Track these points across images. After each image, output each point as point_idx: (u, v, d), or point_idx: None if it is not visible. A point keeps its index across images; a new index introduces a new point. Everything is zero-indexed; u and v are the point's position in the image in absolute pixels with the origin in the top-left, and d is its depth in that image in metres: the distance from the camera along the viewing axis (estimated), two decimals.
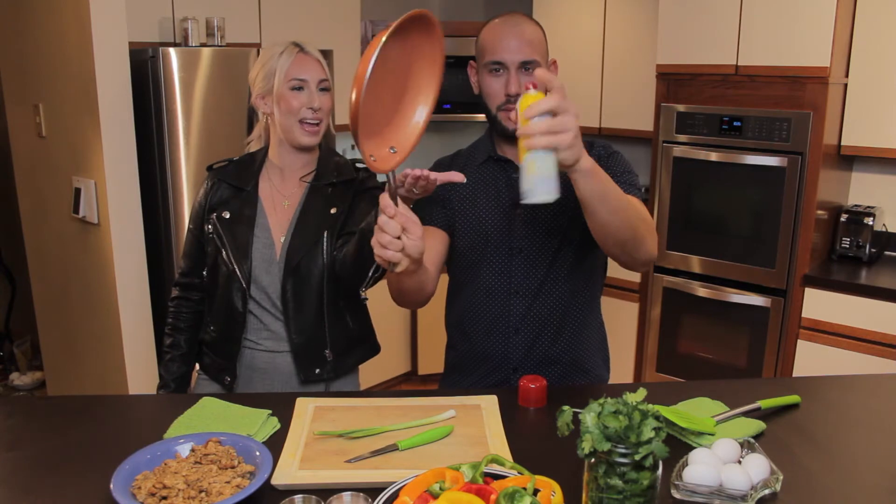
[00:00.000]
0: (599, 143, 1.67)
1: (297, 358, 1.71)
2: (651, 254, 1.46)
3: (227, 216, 1.71)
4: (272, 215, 1.73)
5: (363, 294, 1.81)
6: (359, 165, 1.80)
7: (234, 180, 1.74)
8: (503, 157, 1.65)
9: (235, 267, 1.69)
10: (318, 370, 1.72)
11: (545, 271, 1.63)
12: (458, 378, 1.71)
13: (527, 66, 1.53)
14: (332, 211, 1.71)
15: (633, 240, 1.39)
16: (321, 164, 1.76)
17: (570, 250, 1.63)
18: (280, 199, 1.74)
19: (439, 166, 1.73)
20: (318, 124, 1.68)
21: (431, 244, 1.62)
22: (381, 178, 1.44)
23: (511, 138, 1.59)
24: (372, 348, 1.90)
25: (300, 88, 1.65)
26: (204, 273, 1.77)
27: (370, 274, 1.70)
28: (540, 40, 1.56)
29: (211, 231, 1.72)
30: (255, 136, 1.82)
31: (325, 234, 1.70)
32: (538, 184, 1.18)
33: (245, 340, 1.72)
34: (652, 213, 3.39)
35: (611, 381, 1.79)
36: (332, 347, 1.73)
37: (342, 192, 1.74)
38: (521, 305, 1.64)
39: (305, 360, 1.71)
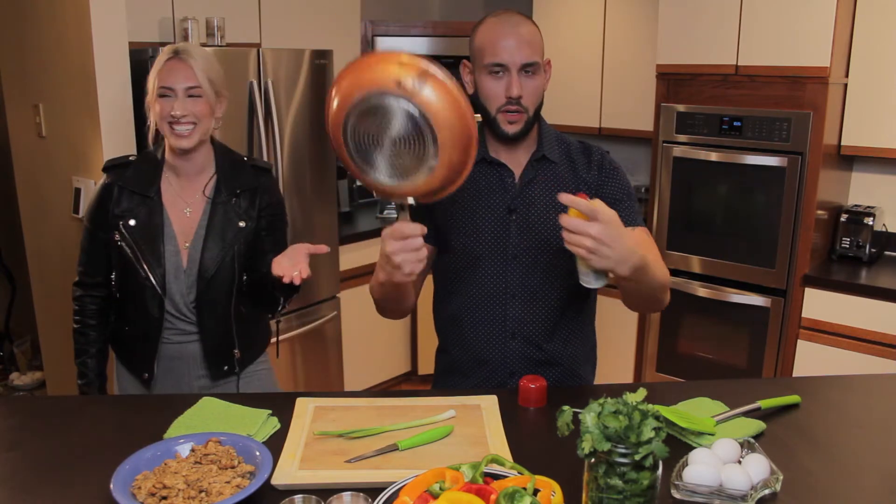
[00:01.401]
0: (598, 152, 1.66)
1: (208, 359, 1.80)
2: (662, 308, 1.61)
3: (134, 223, 1.73)
4: (176, 223, 1.76)
5: (278, 318, 1.88)
6: (255, 165, 1.84)
7: (136, 186, 1.75)
8: (497, 160, 1.63)
9: (150, 276, 1.72)
10: (226, 367, 1.82)
11: (542, 276, 1.63)
12: (454, 382, 1.71)
13: (527, 67, 1.51)
14: (241, 224, 1.78)
15: (653, 305, 1.57)
16: (219, 167, 1.79)
17: (567, 258, 1.63)
18: (182, 207, 1.77)
19: None
20: (189, 129, 1.68)
21: None
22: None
23: (509, 141, 1.59)
24: (267, 336, 1.98)
25: (167, 96, 1.67)
26: (112, 276, 1.79)
27: (280, 307, 1.83)
28: (538, 40, 1.55)
29: (119, 240, 1.73)
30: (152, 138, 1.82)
31: (236, 248, 1.76)
32: (584, 275, 1.39)
33: (161, 338, 1.78)
34: (652, 213, 3.39)
35: (611, 382, 1.79)
36: (239, 346, 1.82)
37: (248, 201, 1.79)
38: (517, 310, 1.64)
39: (216, 360, 1.80)
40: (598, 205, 1.27)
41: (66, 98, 2.69)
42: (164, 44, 2.93)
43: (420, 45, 3.96)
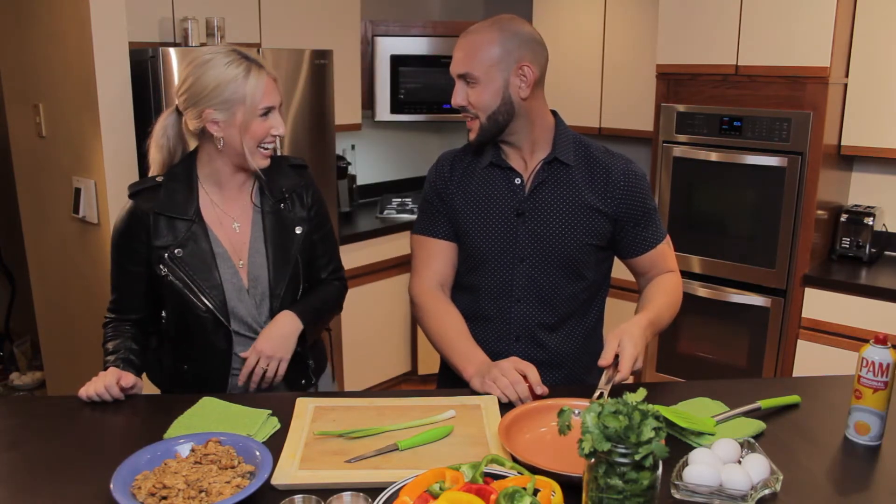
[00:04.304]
0: (622, 162, 1.64)
1: (287, 377, 1.68)
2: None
3: (180, 253, 1.57)
4: (226, 242, 1.62)
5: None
6: (292, 163, 1.73)
7: (174, 211, 1.58)
8: (506, 164, 1.65)
9: (212, 307, 1.58)
10: (303, 381, 1.74)
11: (549, 279, 1.64)
12: (458, 381, 1.71)
13: (465, 78, 1.57)
14: (298, 231, 1.67)
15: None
16: (257, 172, 1.64)
17: (576, 265, 1.65)
18: (228, 222, 1.63)
19: (441, 163, 1.74)
20: (275, 145, 1.60)
21: (447, 259, 1.71)
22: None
23: (496, 144, 1.64)
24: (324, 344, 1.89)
25: (267, 115, 1.55)
26: (157, 312, 1.65)
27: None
28: (481, 50, 1.54)
29: (167, 273, 1.57)
30: (160, 140, 1.63)
31: (298, 258, 1.67)
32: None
33: (231, 369, 1.65)
34: None
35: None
36: (312, 358, 1.74)
37: (297, 204, 1.69)
38: (522, 311, 1.66)
39: (294, 377, 1.70)
40: (624, 361, 1.42)
41: (66, 98, 2.69)
42: (164, 44, 2.93)
43: (420, 45, 3.96)
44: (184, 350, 1.65)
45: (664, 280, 1.70)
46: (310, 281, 1.73)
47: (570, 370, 1.71)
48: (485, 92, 1.55)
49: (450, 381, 1.71)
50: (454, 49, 1.59)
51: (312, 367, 1.75)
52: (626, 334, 1.45)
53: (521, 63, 1.55)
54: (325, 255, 1.76)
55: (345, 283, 1.82)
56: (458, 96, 1.58)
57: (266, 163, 1.60)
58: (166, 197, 1.58)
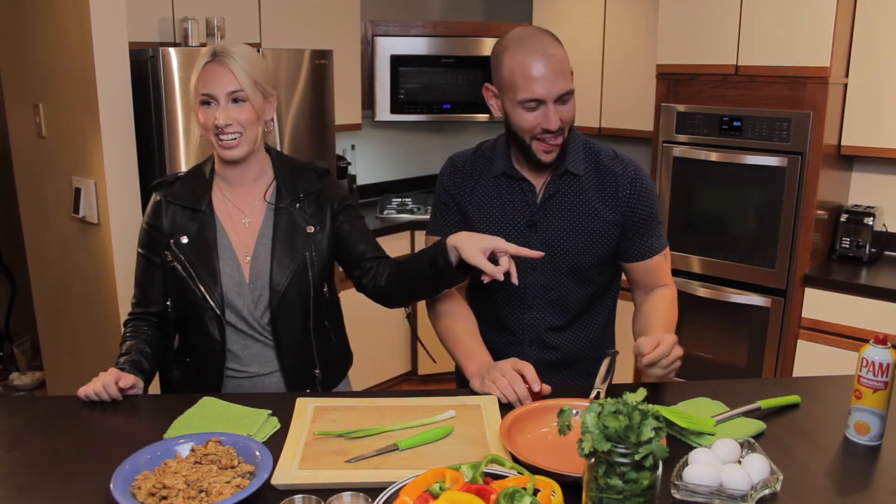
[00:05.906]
0: (632, 167, 1.63)
1: (288, 381, 1.67)
2: None
3: (186, 241, 1.61)
4: (233, 235, 1.64)
5: (407, 311, 1.81)
6: (316, 168, 1.72)
7: (186, 201, 1.63)
8: (519, 175, 1.63)
9: (206, 295, 1.60)
10: (308, 390, 1.69)
11: (561, 287, 1.65)
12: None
13: (564, 97, 1.49)
14: (310, 230, 1.65)
15: None
16: (278, 174, 1.67)
17: (587, 273, 1.65)
18: (239, 217, 1.65)
19: (453, 166, 1.73)
20: (235, 138, 1.56)
21: None
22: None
23: (542, 167, 1.59)
24: (349, 358, 1.86)
25: (208, 103, 1.55)
26: (167, 303, 1.67)
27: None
28: (567, 62, 1.50)
29: (171, 259, 1.61)
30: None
31: (307, 256, 1.64)
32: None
33: (227, 370, 1.65)
34: None
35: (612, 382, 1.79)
36: (320, 367, 1.71)
37: (313, 206, 1.67)
38: (535, 318, 1.67)
39: (296, 383, 1.68)
40: (664, 344, 1.40)
41: (66, 98, 2.69)
42: (164, 44, 2.93)
43: (420, 45, 3.96)
44: (184, 340, 1.68)
45: (660, 296, 1.68)
46: (350, 268, 1.71)
47: (583, 366, 1.72)
48: (574, 105, 1.52)
49: (465, 379, 1.72)
50: (535, 72, 1.46)
51: (319, 378, 1.72)
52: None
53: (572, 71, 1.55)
54: (364, 242, 1.71)
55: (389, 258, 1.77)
56: (555, 118, 1.49)
57: (228, 154, 1.58)
58: (182, 189, 1.66)
